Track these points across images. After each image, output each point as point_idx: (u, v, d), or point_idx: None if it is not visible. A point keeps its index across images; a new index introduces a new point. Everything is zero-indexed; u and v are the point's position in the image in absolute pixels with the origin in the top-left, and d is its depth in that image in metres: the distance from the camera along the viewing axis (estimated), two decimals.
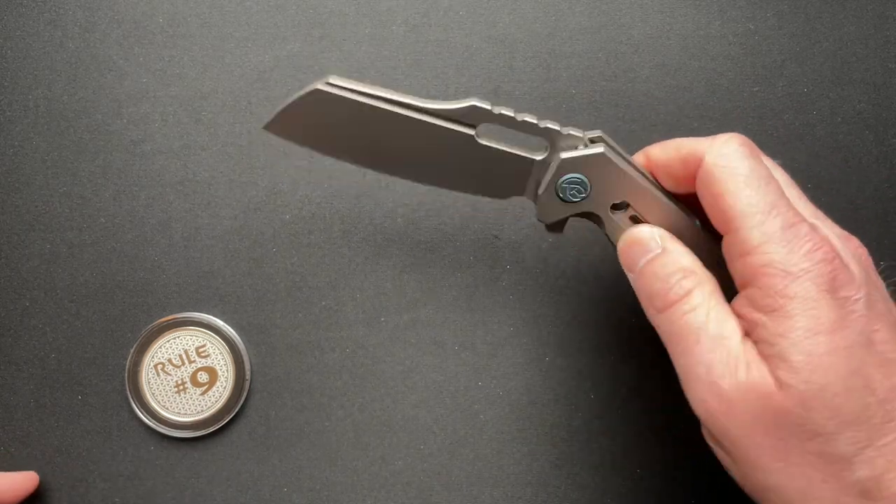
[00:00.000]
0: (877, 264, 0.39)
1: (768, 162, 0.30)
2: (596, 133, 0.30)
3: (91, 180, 0.38)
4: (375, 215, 0.38)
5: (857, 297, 0.25)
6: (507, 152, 0.30)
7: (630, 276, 0.30)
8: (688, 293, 0.28)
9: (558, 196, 0.30)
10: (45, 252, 0.37)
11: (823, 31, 0.39)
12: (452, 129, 0.29)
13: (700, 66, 0.39)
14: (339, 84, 0.29)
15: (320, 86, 0.29)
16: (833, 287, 0.25)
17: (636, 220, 0.30)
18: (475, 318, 0.38)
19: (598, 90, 0.39)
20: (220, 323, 0.37)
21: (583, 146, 0.30)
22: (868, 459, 0.24)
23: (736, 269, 0.27)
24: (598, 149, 0.29)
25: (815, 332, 0.25)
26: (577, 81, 0.39)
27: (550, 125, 0.30)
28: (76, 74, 0.38)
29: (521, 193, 0.31)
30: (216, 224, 0.38)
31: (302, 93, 0.29)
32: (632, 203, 0.30)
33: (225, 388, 0.37)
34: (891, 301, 0.28)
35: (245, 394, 0.37)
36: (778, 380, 0.25)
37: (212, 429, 0.37)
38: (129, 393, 0.37)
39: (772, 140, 0.39)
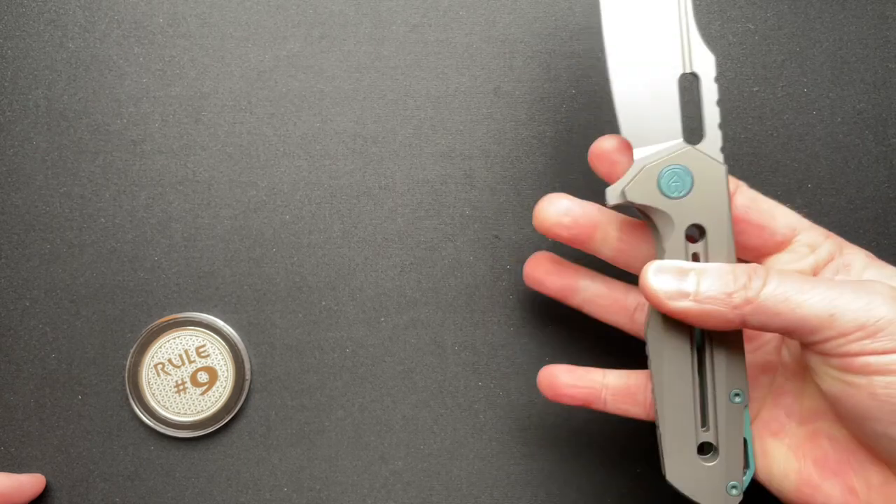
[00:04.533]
0: None
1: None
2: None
3: (91, 180, 0.38)
4: (375, 215, 0.38)
5: None
6: (675, 108, 0.30)
7: (683, 304, 0.28)
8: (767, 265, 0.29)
9: (658, 181, 0.30)
10: (45, 252, 0.37)
11: (823, 32, 0.39)
12: (677, 53, 0.30)
13: None
14: None
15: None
16: None
17: (694, 259, 0.30)
18: (475, 318, 0.38)
19: (598, 90, 0.39)
20: (220, 323, 0.37)
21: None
22: None
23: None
24: (723, 165, 0.30)
25: None
26: (577, 81, 0.39)
27: (711, 132, 0.30)
28: (76, 74, 0.38)
29: (637, 146, 0.30)
30: (216, 224, 0.38)
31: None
32: (711, 235, 0.30)
33: (225, 388, 0.37)
34: None
35: (245, 394, 0.37)
36: None
37: (212, 429, 0.37)
38: (129, 393, 0.37)
39: (772, 140, 0.39)
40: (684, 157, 0.30)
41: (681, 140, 0.30)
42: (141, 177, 0.38)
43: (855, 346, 0.26)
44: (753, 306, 0.27)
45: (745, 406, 0.30)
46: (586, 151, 0.39)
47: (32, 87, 0.38)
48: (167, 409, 0.37)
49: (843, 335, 0.26)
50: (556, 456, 0.38)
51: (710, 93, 0.30)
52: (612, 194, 0.30)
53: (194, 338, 0.37)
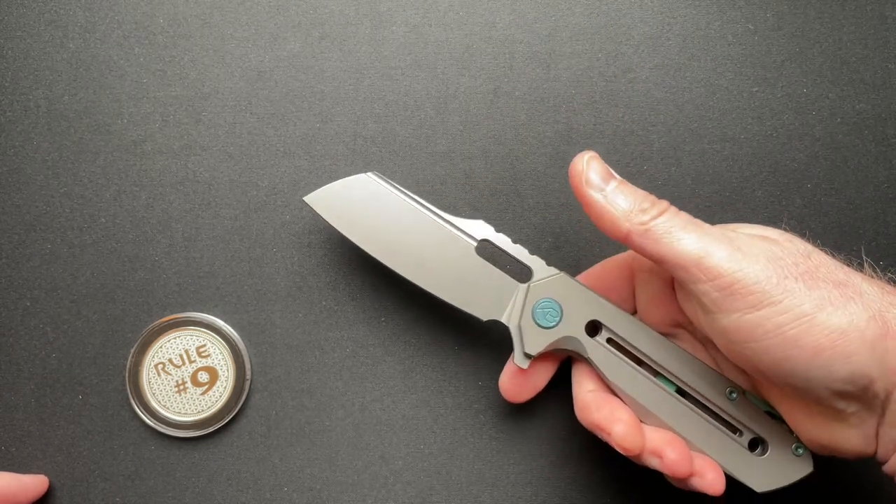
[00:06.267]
0: (876, 263, 0.39)
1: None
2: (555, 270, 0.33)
3: (92, 180, 0.38)
4: None
5: None
6: (495, 270, 0.33)
7: (593, 194, 0.30)
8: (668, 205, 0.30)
9: (535, 322, 0.33)
10: (46, 252, 0.38)
11: (823, 32, 0.39)
12: (458, 237, 0.33)
13: (700, 66, 0.39)
14: (379, 179, 0.34)
15: (369, 173, 0.34)
16: None
17: (613, 343, 0.33)
18: (475, 318, 0.38)
19: (598, 90, 0.39)
20: (220, 323, 0.37)
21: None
22: None
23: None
24: (558, 272, 0.33)
25: None
26: (577, 81, 0.39)
27: (531, 261, 0.33)
28: (77, 75, 0.38)
29: (500, 316, 0.33)
30: (216, 224, 0.38)
31: (349, 177, 0.34)
32: (602, 321, 0.32)
33: (225, 387, 0.37)
34: None
35: (245, 393, 0.37)
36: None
37: (212, 428, 0.37)
38: (129, 393, 0.37)
39: (771, 140, 0.39)
40: (538, 292, 0.33)
41: (522, 285, 0.33)
42: (141, 177, 0.38)
43: (717, 296, 0.28)
44: (641, 230, 0.29)
45: (743, 393, 0.32)
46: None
47: (33, 88, 0.38)
48: (168, 408, 0.37)
49: (710, 280, 0.28)
50: (556, 456, 0.38)
51: (503, 242, 0.34)
52: (521, 361, 0.33)
53: (195, 338, 0.37)
